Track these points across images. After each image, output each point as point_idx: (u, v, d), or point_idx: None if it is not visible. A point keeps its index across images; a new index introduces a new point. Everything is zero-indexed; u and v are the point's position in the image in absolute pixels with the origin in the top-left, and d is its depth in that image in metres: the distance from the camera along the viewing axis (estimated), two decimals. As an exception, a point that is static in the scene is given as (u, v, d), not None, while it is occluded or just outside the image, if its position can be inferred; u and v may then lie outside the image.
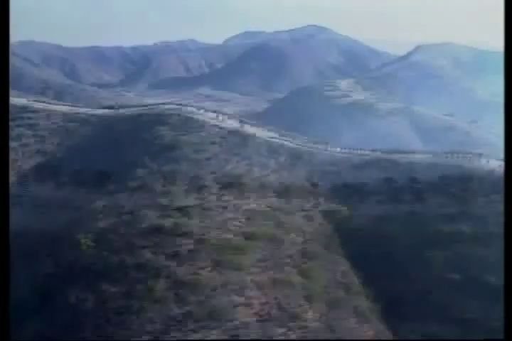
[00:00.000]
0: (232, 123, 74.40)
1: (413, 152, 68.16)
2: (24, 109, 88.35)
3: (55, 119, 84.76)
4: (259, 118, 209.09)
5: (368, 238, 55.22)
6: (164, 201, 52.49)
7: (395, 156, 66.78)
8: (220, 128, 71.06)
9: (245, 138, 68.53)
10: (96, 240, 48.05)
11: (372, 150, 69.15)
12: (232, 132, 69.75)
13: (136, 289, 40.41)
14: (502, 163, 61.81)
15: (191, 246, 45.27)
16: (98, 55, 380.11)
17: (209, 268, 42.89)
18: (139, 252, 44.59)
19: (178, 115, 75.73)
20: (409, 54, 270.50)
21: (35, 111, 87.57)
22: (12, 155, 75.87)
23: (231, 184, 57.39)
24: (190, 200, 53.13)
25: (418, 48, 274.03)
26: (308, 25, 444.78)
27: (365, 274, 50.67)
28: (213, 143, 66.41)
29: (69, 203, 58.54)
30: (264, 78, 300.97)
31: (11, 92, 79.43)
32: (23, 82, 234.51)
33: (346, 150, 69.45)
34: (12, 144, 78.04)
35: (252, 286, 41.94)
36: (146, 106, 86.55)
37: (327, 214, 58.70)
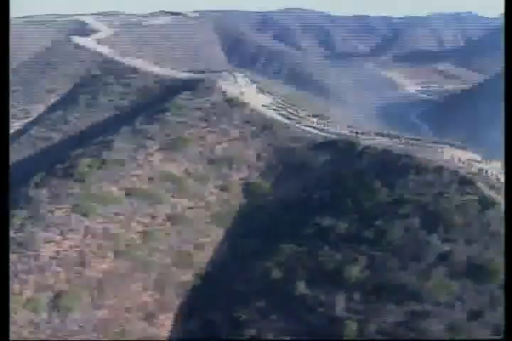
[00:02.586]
0: (247, 92, 76.06)
1: (384, 135, 57.96)
2: (133, 70, 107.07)
3: (146, 80, 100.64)
4: (449, 99, 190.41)
5: (260, 219, 53.41)
6: (104, 154, 61.55)
7: (359, 138, 58.83)
8: (224, 95, 74.06)
9: (233, 106, 70.17)
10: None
11: (351, 131, 62.21)
12: (227, 99, 72.06)
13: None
14: (460, 156, 50.16)
15: (72, 190, 54.01)
16: (361, 25, 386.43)
17: (65, 209, 51.18)
18: (33, 187, 56.08)
19: (209, 81, 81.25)
20: None
21: (139, 72, 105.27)
22: (97, 109, 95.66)
23: (171, 147, 62.16)
24: (122, 155, 60.75)
25: None
26: None
27: (225, 252, 50.76)
28: (199, 108, 70.63)
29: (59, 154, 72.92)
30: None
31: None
32: (240, 47, 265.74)
33: (325, 128, 64.07)
34: (104, 98, 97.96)
35: (81, 231, 48.60)
36: (212, 71, 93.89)
37: (248, 188, 58.09)
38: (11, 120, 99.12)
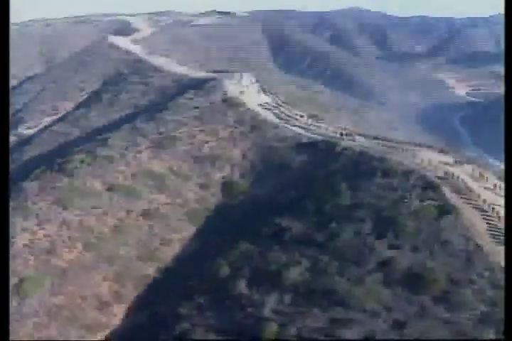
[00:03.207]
0: (247, 91, 76.85)
1: (369, 136, 56.72)
2: (156, 69, 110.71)
3: (165, 80, 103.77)
4: (495, 102, 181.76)
5: (232, 218, 54.14)
6: (98, 150, 64.59)
7: (341, 140, 58.11)
8: (224, 94, 75.22)
9: (229, 105, 71.17)
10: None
11: (335, 130, 61.62)
12: (225, 98, 73.11)
13: None
14: (433, 159, 48.73)
15: (59, 184, 57.17)
16: (421, 25, 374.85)
17: (47, 202, 54.29)
18: (28, 181, 59.99)
19: (215, 81, 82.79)
20: None
21: (160, 71, 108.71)
22: (117, 107, 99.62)
23: (160, 144, 64.10)
24: (113, 152, 63.45)
25: None
26: None
27: (191, 248, 52.02)
28: (196, 107, 72.18)
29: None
30: None
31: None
32: (286, 48, 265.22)
33: (313, 128, 63.68)
34: (125, 96, 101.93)
35: (57, 222, 51.47)
36: (225, 72, 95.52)
37: (227, 186, 58.95)
38: (40, 116, 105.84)
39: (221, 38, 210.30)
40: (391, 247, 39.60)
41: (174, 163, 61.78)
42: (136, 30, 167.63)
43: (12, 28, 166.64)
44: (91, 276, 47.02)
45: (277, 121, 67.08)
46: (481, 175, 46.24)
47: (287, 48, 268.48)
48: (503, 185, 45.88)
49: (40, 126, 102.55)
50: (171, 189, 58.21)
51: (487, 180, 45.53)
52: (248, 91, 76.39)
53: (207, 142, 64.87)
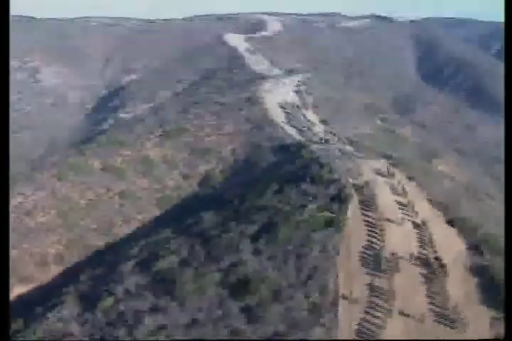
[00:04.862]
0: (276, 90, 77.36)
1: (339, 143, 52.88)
2: (243, 66, 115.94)
3: (244, 76, 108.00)
4: None
5: (189, 207, 56.70)
6: (119, 135, 72.79)
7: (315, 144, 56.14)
8: (253, 91, 76.89)
9: (248, 103, 72.86)
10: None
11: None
12: (249, 96, 74.87)
13: None
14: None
15: (69, 160, 66.42)
16: None
17: (50, 174, 63.63)
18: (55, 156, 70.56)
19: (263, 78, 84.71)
20: None
21: (245, 68, 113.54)
22: (195, 99, 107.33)
23: (169, 134, 69.29)
24: (130, 138, 70.71)
25: None
26: None
27: (143, 230, 56.41)
28: (222, 103, 75.38)
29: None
30: None
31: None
32: (432, 56, 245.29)
33: (306, 130, 62.12)
34: (204, 90, 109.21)
35: (46, 190, 60.50)
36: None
37: (206, 178, 61.53)
38: (139, 103, 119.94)
39: (359, 42, 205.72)
40: (253, 252, 38.55)
41: (170, 152, 66.49)
42: (264, 29, 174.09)
43: (155, 23, 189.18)
44: (47, 238, 54.78)
45: (280, 121, 66.75)
46: (404, 189, 41.18)
47: (434, 57, 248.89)
48: (419, 200, 40.63)
49: (135, 112, 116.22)
50: (155, 175, 63.15)
51: (406, 195, 40.49)
52: (279, 91, 76.71)
53: (209, 136, 68.00)
